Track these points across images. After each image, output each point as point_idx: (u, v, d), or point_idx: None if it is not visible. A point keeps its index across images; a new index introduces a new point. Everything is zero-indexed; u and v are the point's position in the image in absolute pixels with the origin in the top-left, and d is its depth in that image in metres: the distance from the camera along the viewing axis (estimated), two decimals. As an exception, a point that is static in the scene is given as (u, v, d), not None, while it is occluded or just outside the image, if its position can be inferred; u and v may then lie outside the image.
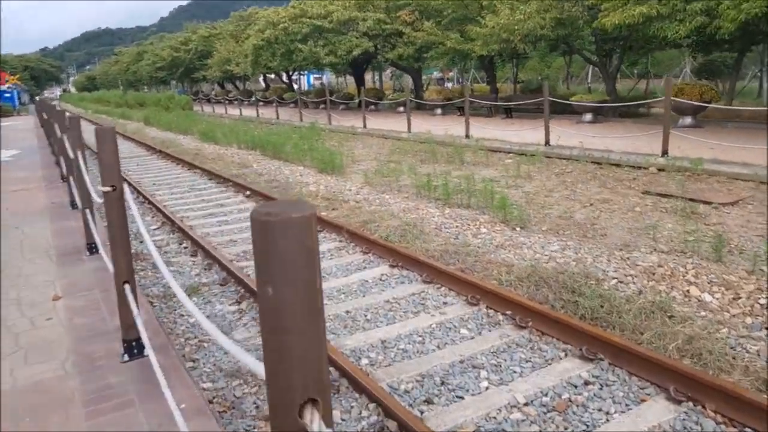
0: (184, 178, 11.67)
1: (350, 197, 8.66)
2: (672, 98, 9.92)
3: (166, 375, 2.27)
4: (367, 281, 5.21)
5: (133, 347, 3.08)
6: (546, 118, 11.19)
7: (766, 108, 13.14)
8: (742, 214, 6.69)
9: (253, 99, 32.68)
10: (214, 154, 14.92)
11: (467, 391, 3.32)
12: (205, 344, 4.03)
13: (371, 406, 3.18)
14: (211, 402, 3.21)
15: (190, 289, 5.15)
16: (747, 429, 2.83)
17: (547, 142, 11.26)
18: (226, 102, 38.48)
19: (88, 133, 6.80)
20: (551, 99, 11.67)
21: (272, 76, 42.09)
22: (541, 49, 17.93)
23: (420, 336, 4.04)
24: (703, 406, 2.98)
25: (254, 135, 16.22)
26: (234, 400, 3.33)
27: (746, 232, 5.98)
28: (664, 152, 9.64)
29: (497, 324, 4.16)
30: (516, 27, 15.06)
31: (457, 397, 3.27)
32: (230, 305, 4.84)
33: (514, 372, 3.49)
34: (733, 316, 4.02)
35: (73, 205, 7.30)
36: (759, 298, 4.19)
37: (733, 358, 3.44)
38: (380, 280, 5.24)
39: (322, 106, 26.89)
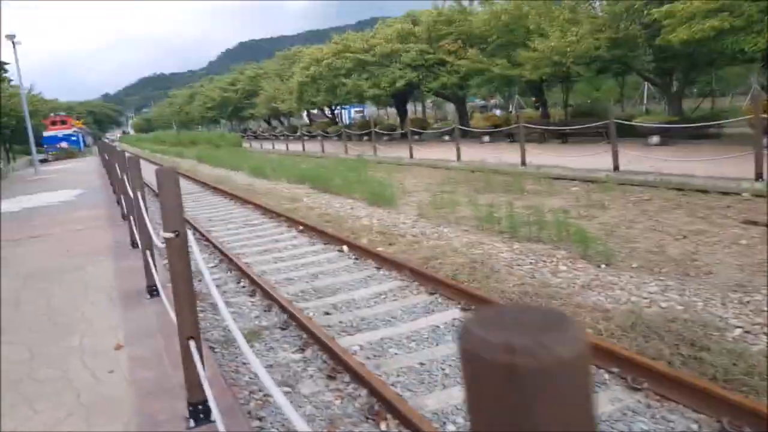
0: (238, 213, 11.67)
1: (406, 231, 8.36)
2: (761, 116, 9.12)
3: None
4: (438, 327, 4.84)
5: (200, 410, 2.83)
6: (613, 142, 10.63)
7: None
8: None
9: (298, 134, 33.26)
10: (264, 189, 14.99)
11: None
12: (271, 399, 3.75)
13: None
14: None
15: (251, 334, 4.92)
16: None
17: (616, 168, 10.66)
18: (273, 138, 39.30)
19: (148, 172, 6.80)
20: (616, 122, 11.11)
21: (315, 111, 42.93)
22: (590, 72, 17.41)
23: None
24: None
25: (302, 169, 16.27)
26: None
27: None
28: (758, 176, 8.70)
29: (603, 384, 3.62)
30: (568, 49, 14.67)
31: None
32: (294, 353, 4.56)
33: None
34: None
35: (134, 244, 7.29)
36: None
37: None
38: (453, 326, 4.85)
39: (365, 138, 27.05)
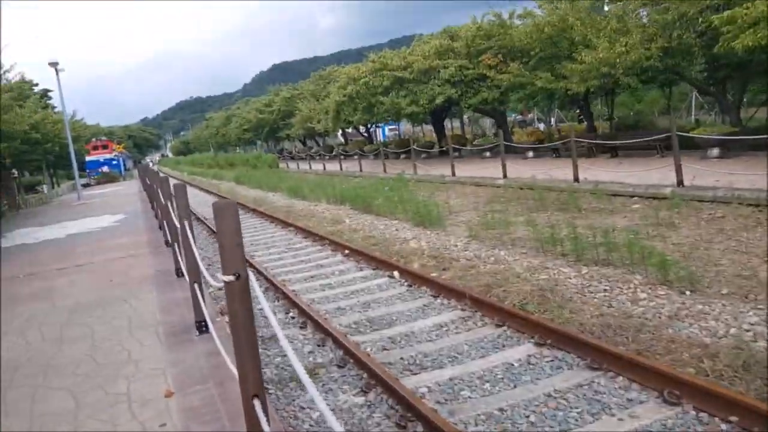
0: (280, 236, 11.40)
1: (458, 254, 7.89)
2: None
3: None
4: (512, 365, 4.34)
5: (268, 482, 2.41)
6: (677, 156, 9.91)
7: None
8: None
9: (334, 153, 33.17)
10: (305, 210, 14.74)
11: None
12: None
13: None
14: None
15: (307, 373, 4.52)
16: None
17: (679, 183, 9.95)
18: (309, 158, 39.42)
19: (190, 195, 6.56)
20: (679, 134, 10.42)
21: (350, 129, 42.96)
22: (640, 83, 16.71)
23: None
24: None
25: (341, 189, 15.98)
26: None
27: None
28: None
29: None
30: (618, 60, 14.06)
31: None
32: (355, 395, 4.14)
33: None
34: None
35: (179, 273, 7.04)
36: None
37: None
38: (529, 363, 4.35)
39: (402, 156, 26.72)
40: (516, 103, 26.75)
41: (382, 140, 39.90)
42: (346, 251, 8.87)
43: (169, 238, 7.73)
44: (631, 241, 6.39)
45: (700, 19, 13.08)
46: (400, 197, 12.94)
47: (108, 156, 49.86)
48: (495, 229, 8.96)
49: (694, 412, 3.32)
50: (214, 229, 12.74)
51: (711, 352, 3.96)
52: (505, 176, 14.61)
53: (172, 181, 7.58)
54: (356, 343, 5.02)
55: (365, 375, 4.41)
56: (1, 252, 11.16)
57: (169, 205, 6.98)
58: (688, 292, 5.33)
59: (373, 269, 7.72)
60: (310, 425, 3.73)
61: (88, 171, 47.98)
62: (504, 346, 4.75)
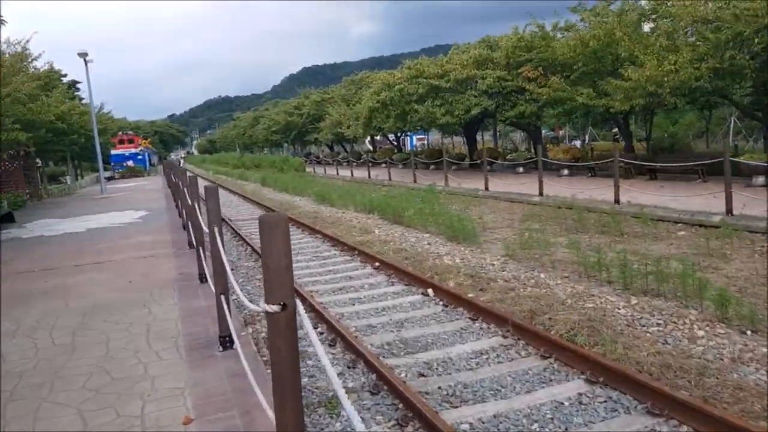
0: (306, 243, 11.07)
1: (495, 275, 7.44)
2: None
3: None
4: (561, 404, 3.91)
5: None
6: (727, 182, 9.34)
7: None
8: None
9: (362, 160, 32.89)
10: (332, 217, 14.40)
11: None
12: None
13: None
14: None
15: (336, 400, 4.13)
16: None
17: (729, 212, 9.37)
18: (336, 163, 39.25)
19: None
20: (732, 160, 9.83)
21: (378, 137, 42.66)
22: (681, 104, 16.07)
23: None
24: None
25: (370, 198, 15.62)
26: None
27: None
28: None
29: None
30: (666, 79, 13.47)
31: None
32: (391, 428, 3.74)
33: None
34: None
35: (202, 278, 6.73)
36: None
37: None
38: (580, 403, 3.92)
39: (432, 166, 26.28)
40: (550, 118, 26.16)
41: (410, 149, 39.54)
42: (377, 263, 8.49)
43: (194, 241, 7.45)
44: (685, 273, 5.89)
45: (756, 40, 12.46)
46: (431, 209, 12.53)
47: (133, 150, 50.16)
48: (533, 249, 8.50)
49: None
50: (238, 232, 12.52)
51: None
52: (541, 194, 14.10)
53: (200, 182, 7.29)
54: (390, 367, 4.62)
55: (401, 405, 4.01)
56: (2, 248, 10.95)
57: (196, 206, 6.70)
58: (749, 332, 4.87)
59: (406, 285, 7.32)
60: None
61: (112, 164, 48.34)
62: (551, 380, 4.32)
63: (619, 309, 5.66)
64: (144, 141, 59.29)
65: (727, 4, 12.88)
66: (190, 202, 7.41)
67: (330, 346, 5.35)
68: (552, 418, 3.76)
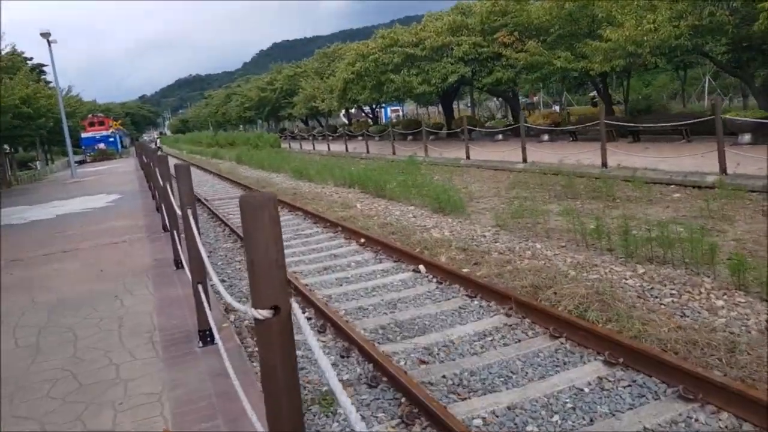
0: (286, 221, 10.58)
1: (489, 246, 7.10)
2: None
3: None
4: (581, 390, 3.58)
5: None
6: (720, 142, 9.09)
7: None
8: None
9: (338, 133, 32.20)
10: (311, 193, 13.92)
11: None
12: None
13: None
14: None
15: (331, 395, 3.76)
16: None
17: (723, 171, 9.14)
18: (311, 138, 38.42)
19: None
20: (727, 117, 9.57)
21: (353, 110, 41.87)
22: (662, 63, 15.82)
23: None
24: None
25: (350, 171, 15.14)
26: None
27: None
28: None
29: None
30: (645, 38, 13.13)
31: None
32: (395, 426, 3.38)
33: None
34: None
35: (177, 263, 6.26)
36: None
37: None
38: (602, 389, 3.59)
39: (409, 137, 25.76)
40: (526, 83, 25.77)
41: (384, 121, 38.87)
42: (362, 240, 8.08)
43: (169, 225, 6.94)
44: (694, 237, 5.60)
45: (738, -5, 12.17)
46: (414, 181, 12.13)
47: (104, 133, 48.85)
48: (524, 218, 8.17)
49: None
50: (215, 212, 11.97)
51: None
52: (524, 160, 13.77)
53: (171, 161, 6.75)
54: (387, 355, 4.26)
55: (404, 399, 3.65)
56: None
57: (168, 187, 6.18)
58: (771, 300, 4.58)
59: (395, 261, 6.94)
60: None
61: (83, 148, 47.07)
62: (566, 363, 3.98)
63: (626, 279, 5.36)
64: (115, 123, 57.51)
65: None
66: (161, 183, 6.88)
67: (319, 332, 4.95)
68: (573, 408, 3.42)
